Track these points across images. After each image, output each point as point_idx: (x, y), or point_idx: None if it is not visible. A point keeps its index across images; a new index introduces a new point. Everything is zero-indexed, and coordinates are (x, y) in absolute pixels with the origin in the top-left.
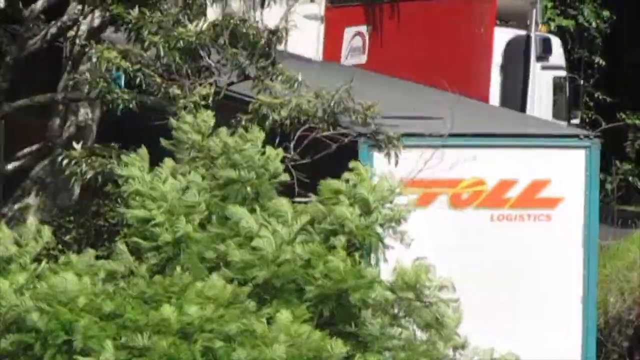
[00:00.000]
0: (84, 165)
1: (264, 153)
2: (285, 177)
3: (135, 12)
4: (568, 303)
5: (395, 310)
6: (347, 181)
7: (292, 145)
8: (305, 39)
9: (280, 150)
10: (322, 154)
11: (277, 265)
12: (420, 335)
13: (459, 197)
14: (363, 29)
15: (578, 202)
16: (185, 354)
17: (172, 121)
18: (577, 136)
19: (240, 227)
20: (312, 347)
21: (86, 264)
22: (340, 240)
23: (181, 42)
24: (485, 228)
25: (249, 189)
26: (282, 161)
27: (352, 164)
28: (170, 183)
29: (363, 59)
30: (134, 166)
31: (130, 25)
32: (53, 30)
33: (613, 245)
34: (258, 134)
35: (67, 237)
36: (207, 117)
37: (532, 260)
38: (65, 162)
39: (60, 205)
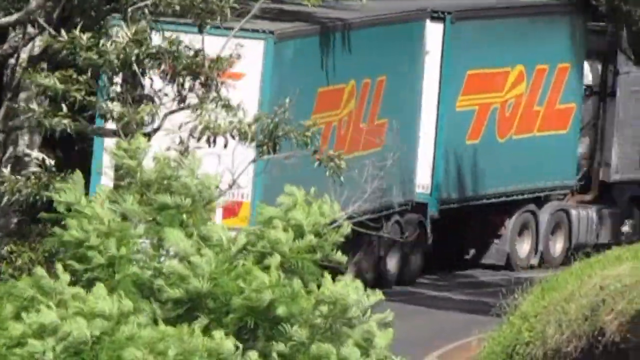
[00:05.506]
0: (20, 185)
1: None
2: (222, 201)
3: (64, 35)
4: None
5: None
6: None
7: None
8: None
9: (217, 176)
10: None
11: (214, 284)
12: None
13: None
14: None
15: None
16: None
17: (109, 146)
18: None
19: (178, 249)
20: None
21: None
22: (275, 259)
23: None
24: None
25: (184, 215)
26: None
27: (287, 189)
28: (106, 207)
29: None
30: (69, 191)
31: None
32: None
33: (551, 276)
34: (196, 161)
35: (19, 262)
36: (142, 144)
37: None
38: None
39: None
